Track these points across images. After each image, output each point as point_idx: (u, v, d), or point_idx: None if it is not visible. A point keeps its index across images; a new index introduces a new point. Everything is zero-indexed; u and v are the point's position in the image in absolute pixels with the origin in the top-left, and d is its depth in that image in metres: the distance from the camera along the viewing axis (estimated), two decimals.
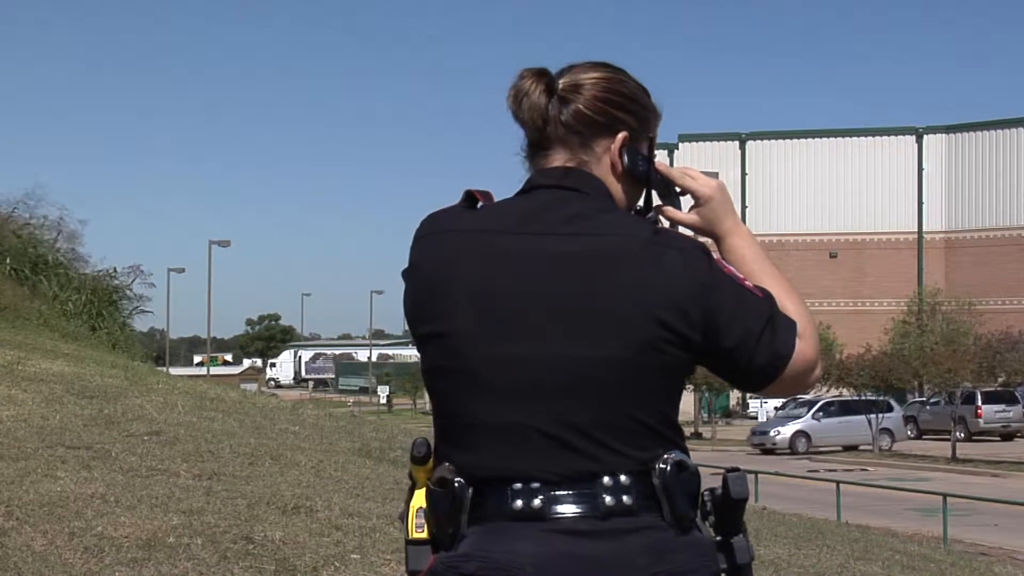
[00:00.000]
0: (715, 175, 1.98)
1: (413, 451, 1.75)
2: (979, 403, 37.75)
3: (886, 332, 46.12)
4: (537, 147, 1.85)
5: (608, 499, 1.67)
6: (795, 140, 56.71)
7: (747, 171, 55.90)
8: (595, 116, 1.82)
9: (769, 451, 34.82)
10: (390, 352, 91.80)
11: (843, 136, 56.31)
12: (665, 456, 1.70)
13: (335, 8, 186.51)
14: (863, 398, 36.53)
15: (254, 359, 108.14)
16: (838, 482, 18.60)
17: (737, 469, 1.78)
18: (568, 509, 1.67)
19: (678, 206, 1.93)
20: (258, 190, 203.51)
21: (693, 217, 1.92)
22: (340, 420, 12.11)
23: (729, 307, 1.72)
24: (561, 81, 1.82)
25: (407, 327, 1.86)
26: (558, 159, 1.83)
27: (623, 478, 1.68)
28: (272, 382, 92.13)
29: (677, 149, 55.01)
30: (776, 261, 1.91)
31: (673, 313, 1.69)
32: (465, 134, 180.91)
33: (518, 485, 1.68)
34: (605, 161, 1.83)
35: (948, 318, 46.90)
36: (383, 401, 63.38)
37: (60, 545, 4.81)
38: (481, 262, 1.74)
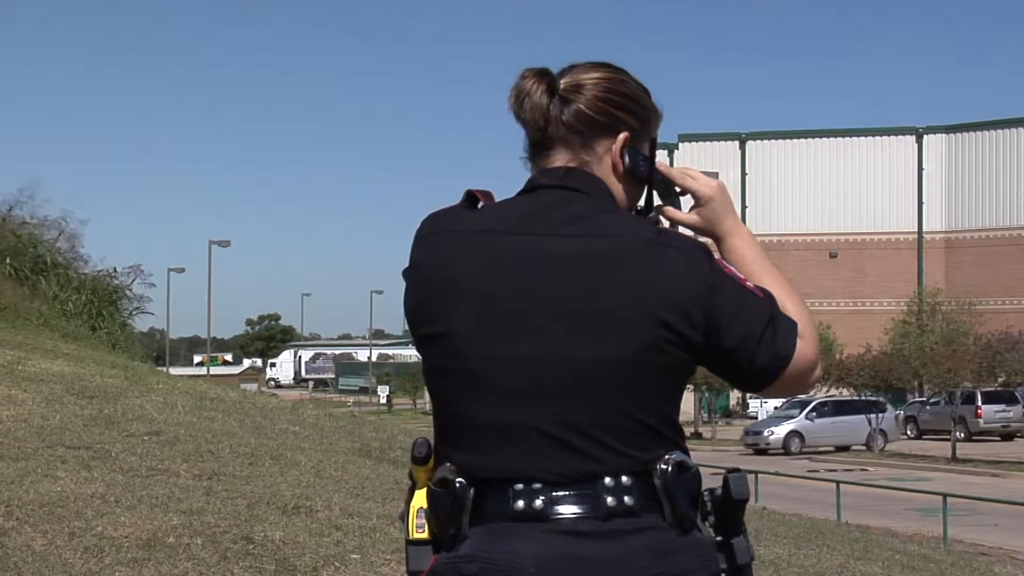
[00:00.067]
0: (715, 175, 1.98)
1: (414, 451, 1.75)
2: (979, 403, 37.75)
3: (886, 332, 46.11)
4: (539, 147, 1.85)
5: (609, 500, 1.67)
6: (795, 140, 56.71)
7: (747, 171, 55.90)
8: (596, 116, 1.82)
9: (762, 451, 34.71)
10: (390, 352, 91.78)
11: (843, 136, 56.31)
12: (666, 456, 1.70)
13: (335, 8, 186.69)
14: (858, 398, 36.59)
15: (254, 359, 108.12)
16: (838, 482, 18.61)
17: (738, 470, 1.78)
18: (569, 510, 1.67)
19: (678, 206, 1.93)
20: (258, 190, 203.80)
21: (693, 217, 1.93)
22: (340, 420, 12.11)
23: (730, 307, 1.72)
24: (562, 81, 1.82)
25: (407, 327, 1.86)
26: (560, 159, 1.83)
27: (624, 479, 1.68)
28: (272, 382, 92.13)
29: (677, 149, 55.01)
30: (776, 261, 1.91)
31: (674, 313, 1.69)
32: (465, 134, 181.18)
33: (519, 486, 1.68)
34: (606, 161, 1.83)
35: (948, 318, 46.90)
36: (383, 401, 63.38)
37: (60, 545, 4.80)
38: (482, 262, 1.74)
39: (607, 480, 1.67)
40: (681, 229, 1.89)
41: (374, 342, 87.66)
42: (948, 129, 55.54)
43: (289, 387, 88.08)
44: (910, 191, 54.95)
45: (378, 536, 5.50)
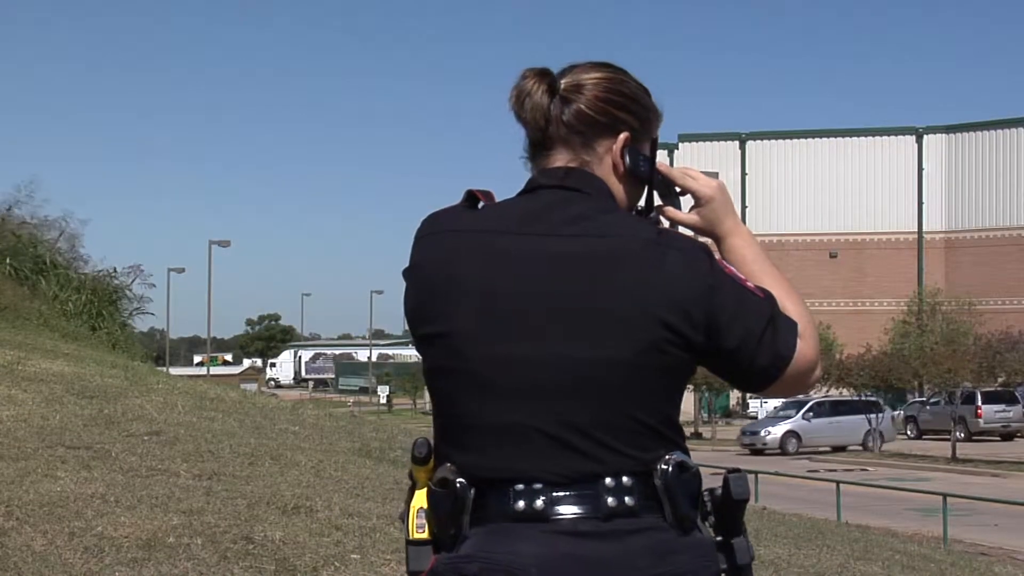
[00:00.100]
0: (715, 175, 1.98)
1: (414, 451, 1.75)
2: (979, 403, 37.74)
3: (886, 332, 46.12)
4: (539, 147, 1.85)
5: (610, 500, 1.67)
6: (795, 140, 56.70)
7: (747, 171, 55.90)
8: (597, 116, 1.82)
9: (759, 451, 34.63)
10: (390, 352, 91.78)
11: (843, 136, 56.31)
12: (667, 457, 1.70)
13: (335, 8, 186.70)
14: (853, 399, 36.60)
15: (254, 359, 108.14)
16: (838, 482, 18.61)
17: (738, 470, 1.79)
18: (570, 510, 1.67)
19: (678, 206, 1.93)
20: (258, 190, 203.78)
21: (694, 217, 1.93)
22: (340, 420, 12.11)
23: (731, 308, 1.72)
24: (563, 81, 1.82)
25: (407, 327, 1.86)
26: (560, 159, 1.83)
27: (625, 479, 1.68)
28: (272, 382, 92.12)
29: (677, 149, 55.00)
30: (776, 261, 1.91)
31: (675, 314, 1.69)
32: (465, 134, 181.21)
33: (520, 486, 1.68)
34: (607, 161, 1.84)
35: (948, 318, 46.89)
36: (383, 401, 63.37)
37: (60, 545, 4.80)
38: (482, 262, 1.74)
39: (608, 480, 1.67)
40: (681, 229, 1.89)
41: (374, 342, 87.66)
42: (948, 129, 55.54)
43: (289, 387, 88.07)
44: (910, 191, 54.95)
45: (378, 536, 5.50)
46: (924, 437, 39.55)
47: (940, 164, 54.68)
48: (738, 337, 1.72)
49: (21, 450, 6.70)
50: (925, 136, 55.42)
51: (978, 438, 37.15)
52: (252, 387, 38.83)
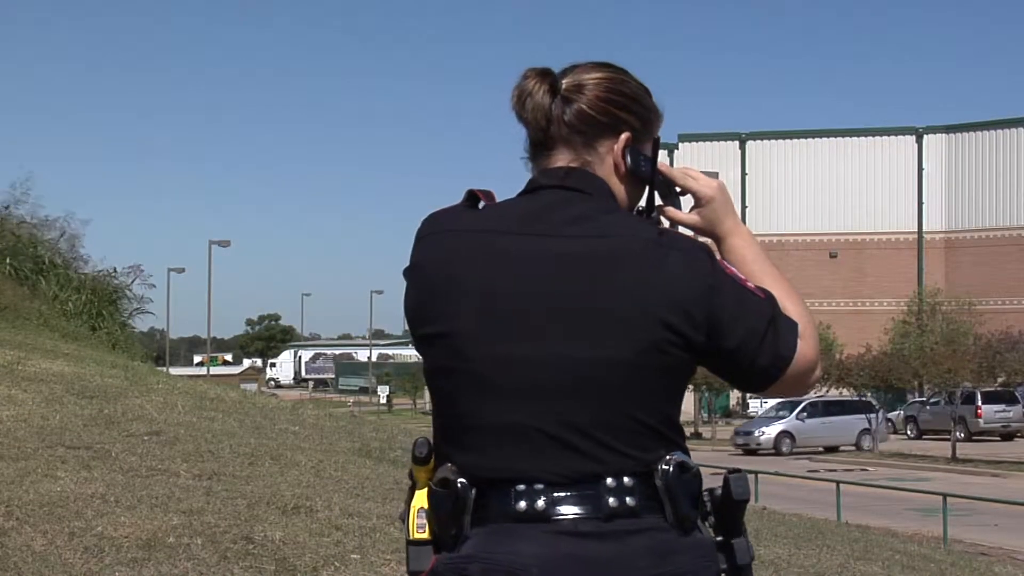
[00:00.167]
0: (715, 175, 1.98)
1: (415, 451, 1.75)
2: (979, 403, 37.75)
3: (886, 332, 46.11)
4: (540, 147, 1.85)
5: (611, 500, 1.67)
6: (795, 140, 56.69)
7: (747, 171, 55.89)
8: (598, 116, 1.82)
9: (752, 451, 34.56)
10: (390, 352, 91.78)
11: (843, 136, 56.30)
12: (667, 457, 1.70)
13: (335, 8, 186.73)
14: (847, 399, 36.61)
15: (254, 359, 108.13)
16: (838, 482, 18.62)
17: (739, 470, 1.79)
18: (571, 510, 1.67)
19: (679, 206, 1.93)
20: (258, 190, 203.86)
21: (694, 217, 1.92)
22: (340, 420, 12.10)
23: (731, 308, 1.72)
24: (564, 81, 1.82)
25: (407, 327, 1.86)
26: (561, 159, 1.83)
27: (626, 479, 1.68)
28: (272, 382, 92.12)
29: (677, 149, 54.99)
30: (776, 261, 1.91)
31: (676, 314, 1.69)
32: (465, 134, 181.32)
33: (521, 486, 1.68)
34: (608, 161, 1.84)
35: (948, 318, 46.89)
36: (383, 401, 63.37)
37: (60, 545, 4.80)
38: (482, 262, 1.74)
39: (609, 481, 1.67)
40: (682, 229, 1.89)
41: (374, 342, 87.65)
42: (948, 129, 55.53)
43: (289, 387, 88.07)
44: (910, 191, 54.94)
45: (378, 536, 5.50)
46: (924, 437, 39.55)
47: (940, 164, 54.67)
48: (739, 337, 1.72)
49: (21, 450, 6.70)
50: (925, 136, 55.41)
51: (978, 438, 37.16)
52: (252, 387, 38.81)
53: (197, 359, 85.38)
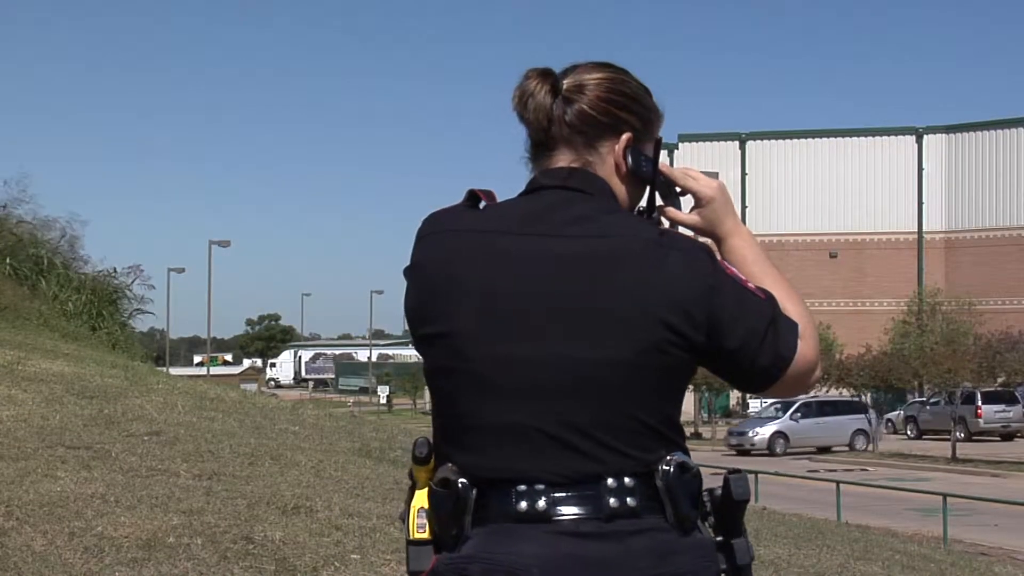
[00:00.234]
0: (715, 175, 1.98)
1: (415, 451, 1.75)
2: (979, 403, 37.74)
3: (886, 332, 46.10)
4: (541, 147, 1.85)
5: (612, 501, 1.67)
6: (795, 140, 56.68)
7: (747, 171, 55.88)
8: (599, 116, 1.82)
9: (746, 452, 34.42)
10: (390, 352, 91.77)
11: (843, 136, 56.28)
12: (668, 457, 1.71)
13: (335, 8, 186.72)
14: (839, 399, 36.63)
15: (254, 359, 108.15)
16: (838, 482, 18.61)
17: (739, 470, 1.79)
18: (572, 511, 1.67)
19: (679, 207, 1.93)
20: (258, 190, 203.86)
21: (694, 218, 1.92)
22: (340, 420, 12.10)
23: (732, 308, 1.73)
24: (565, 81, 1.83)
25: (407, 327, 1.86)
26: (562, 159, 1.83)
27: (627, 480, 1.68)
28: (272, 382, 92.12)
29: (677, 149, 54.99)
30: (776, 261, 1.91)
31: (676, 314, 1.69)
32: (465, 134, 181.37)
33: (522, 487, 1.68)
34: (609, 162, 1.84)
35: (948, 318, 46.87)
36: (383, 401, 63.36)
37: (60, 545, 4.80)
38: (483, 262, 1.74)
39: (609, 481, 1.67)
40: (682, 229, 1.89)
41: (374, 342, 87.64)
42: (948, 129, 55.52)
43: (289, 387, 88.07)
44: (910, 191, 54.93)
45: (378, 536, 5.50)
46: (924, 437, 39.54)
47: (940, 164, 54.66)
48: (739, 338, 1.73)
49: (21, 450, 6.70)
50: (925, 136, 55.40)
51: (978, 438, 37.16)
52: (252, 387, 38.80)
53: (197, 359, 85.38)
